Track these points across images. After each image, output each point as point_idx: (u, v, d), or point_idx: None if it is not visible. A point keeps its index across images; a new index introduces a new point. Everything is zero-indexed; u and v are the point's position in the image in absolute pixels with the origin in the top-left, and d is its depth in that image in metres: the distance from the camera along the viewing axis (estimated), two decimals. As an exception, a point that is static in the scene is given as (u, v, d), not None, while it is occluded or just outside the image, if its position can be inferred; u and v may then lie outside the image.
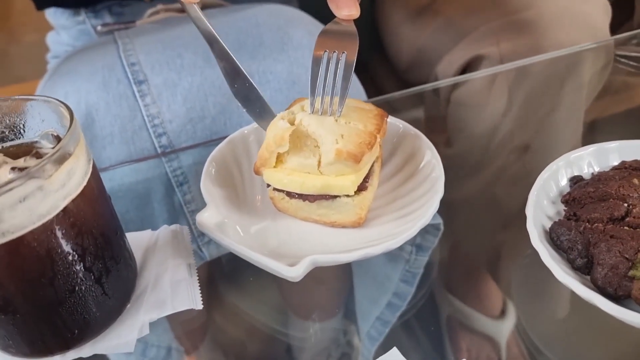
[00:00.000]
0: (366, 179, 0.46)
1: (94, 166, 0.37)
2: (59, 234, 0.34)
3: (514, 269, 0.49)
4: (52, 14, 0.82)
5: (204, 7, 0.78)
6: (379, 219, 0.48)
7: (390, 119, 0.53)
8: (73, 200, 0.34)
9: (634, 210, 0.40)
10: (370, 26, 1.03)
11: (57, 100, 0.37)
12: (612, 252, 0.37)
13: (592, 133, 0.67)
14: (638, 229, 0.38)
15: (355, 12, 0.45)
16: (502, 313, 0.46)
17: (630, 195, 0.41)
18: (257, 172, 0.47)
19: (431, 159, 0.49)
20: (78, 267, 0.36)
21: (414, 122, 0.54)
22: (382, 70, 1.03)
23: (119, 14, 0.80)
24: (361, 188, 0.45)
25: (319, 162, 0.44)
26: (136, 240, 0.45)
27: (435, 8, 0.83)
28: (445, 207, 0.46)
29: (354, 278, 0.50)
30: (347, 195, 0.45)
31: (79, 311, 0.37)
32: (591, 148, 0.46)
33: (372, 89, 1.04)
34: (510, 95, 0.68)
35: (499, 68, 0.70)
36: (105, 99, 0.61)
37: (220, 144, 0.53)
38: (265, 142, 0.45)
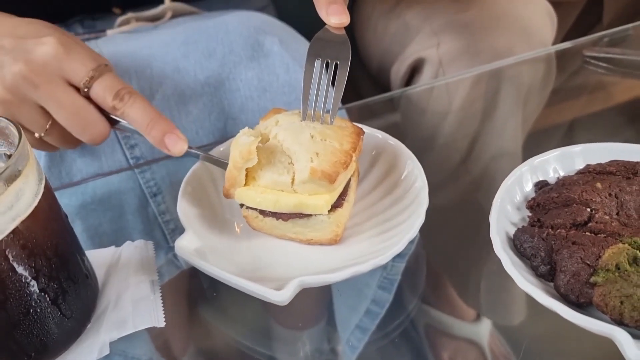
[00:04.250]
0: (342, 195, 0.45)
1: (46, 186, 0.36)
2: (9, 256, 0.33)
3: (489, 275, 0.49)
4: None
5: (176, 15, 0.78)
6: (363, 234, 0.47)
7: (369, 130, 0.53)
8: (23, 222, 0.34)
9: (597, 215, 0.40)
10: (348, 29, 1.03)
11: (6, 119, 0.36)
12: (574, 259, 0.37)
13: (563, 135, 0.67)
14: (600, 235, 0.38)
15: (345, 19, 0.45)
16: (479, 318, 0.46)
17: (593, 199, 0.41)
18: (227, 195, 0.46)
19: (413, 169, 0.49)
20: (32, 289, 0.35)
21: (389, 127, 0.54)
22: (359, 74, 1.03)
23: (91, 26, 0.79)
24: (337, 205, 0.45)
25: (293, 179, 0.43)
26: (98, 257, 0.44)
27: (398, 11, 0.83)
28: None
29: (333, 286, 0.50)
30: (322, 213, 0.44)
31: (35, 333, 0.36)
32: (555, 152, 0.46)
33: (350, 93, 1.04)
34: (478, 100, 0.68)
35: (466, 73, 0.70)
36: None
37: (194, 165, 0.51)
38: (231, 160, 0.43)
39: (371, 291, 0.47)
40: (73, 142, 0.51)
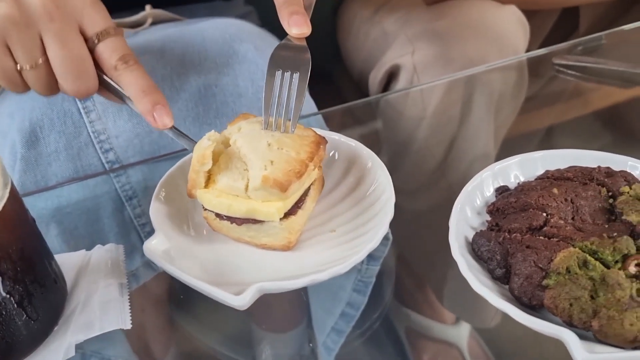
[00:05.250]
0: (299, 203, 0.46)
1: (12, 190, 0.37)
2: (-27, 260, 0.34)
3: (460, 277, 0.50)
4: None
5: (157, 22, 0.78)
6: (327, 242, 0.47)
7: (341, 137, 0.54)
8: (-13, 226, 0.34)
9: (552, 220, 0.41)
10: (332, 35, 1.04)
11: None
12: (527, 262, 0.38)
13: (538, 141, 0.68)
14: (553, 239, 0.39)
15: (306, 29, 0.46)
16: (452, 319, 0.47)
17: (550, 204, 0.42)
18: (190, 195, 0.47)
19: (382, 181, 0.49)
20: (-4, 292, 0.36)
21: (364, 132, 0.55)
22: (343, 79, 1.04)
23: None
24: (290, 213, 0.45)
25: (247, 186, 0.44)
26: (68, 261, 0.45)
27: (378, 18, 0.85)
28: (394, 216, 0.46)
29: (308, 288, 0.51)
30: None
31: (0, 335, 0.37)
32: (516, 158, 0.47)
33: (335, 98, 1.05)
34: (452, 106, 0.69)
35: (444, 78, 0.72)
36: (50, 115, 0.61)
37: (171, 168, 0.52)
38: (192, 163, 0.45)
39: (346, 294, 0.48)
40: (53, 87, 0.50)
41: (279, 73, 0.46)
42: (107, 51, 0.48)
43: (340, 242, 0.47)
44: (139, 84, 0.47)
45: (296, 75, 0.46)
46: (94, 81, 0.48)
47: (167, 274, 0.43)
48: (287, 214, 0.45)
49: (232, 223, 0.46)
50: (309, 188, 0.47)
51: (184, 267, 0.43)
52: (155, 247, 0.44)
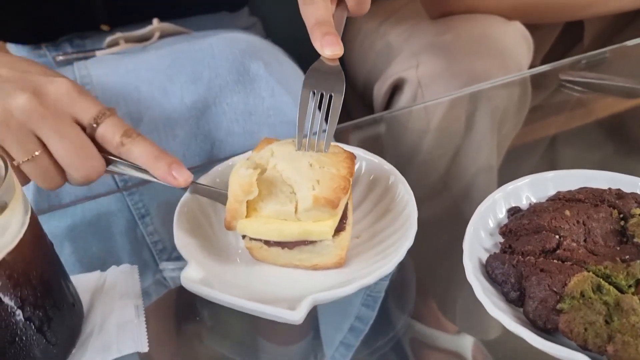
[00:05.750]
0: (343, 219, 0.46)
1: (32, 217, 0.37)
2: (-5, 287, 0.34)
3: (467, 294, 0.50)
4: (13, 47, 0.82)
5: (164, 36, 0.79)
6: (356, 249, 0.48)
7: (365, 153, 0.54)
8: (9, 253, 0.35)
9: (565, 242, 0.41)
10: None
11: (-7, 152, 0.37)
12: (542, 286, 0.38)
13: (541, 154, 0.68)
14: (566, 262, 0.39)
15: (339, 51, 0.46)
16: (460, 334, 0.47)
17: (562, 227, 0.42)
18: (229, 228, 0.46)
19: (404, 195, 0.50)
20: (17, 318, 0.36)
21: (368, 147, 0.56)
22: (347, 90, 1.04)
23: (80, 46, 0.80)
24: (339, 229, 0.45)
25: (296, 208, 0.44)
26: (83, 282, 0.45)
27: (382, 31, 0.86)
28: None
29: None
30: None
31: (21, 361, 0.37)
32: (527, 179, 0.47)
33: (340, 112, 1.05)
34: (455, 121, 0.70)
35: (453, 94, 0.72)
36: None
37: (184, 195, 0.52)
38: (231, 193, 0.44)
39: (355, 309, 0.49)
40: (54, 178, 0.50)
41: (312, 94, 0.46)
42: (109, 131, 0.48)
43: (370, 246, 0.48)
44: (149, 152, 0.48)
45: (330, 95, 0.46)
46: (101, 162, 0.49)
47: (179, 291, 0.43)
48: (337, 231, 0.45)
49: (283, 248, 0.46)
50: (347, 203, 0.48)
51: (225, 291, 0.42)
52: (192, 276, 0.43)
